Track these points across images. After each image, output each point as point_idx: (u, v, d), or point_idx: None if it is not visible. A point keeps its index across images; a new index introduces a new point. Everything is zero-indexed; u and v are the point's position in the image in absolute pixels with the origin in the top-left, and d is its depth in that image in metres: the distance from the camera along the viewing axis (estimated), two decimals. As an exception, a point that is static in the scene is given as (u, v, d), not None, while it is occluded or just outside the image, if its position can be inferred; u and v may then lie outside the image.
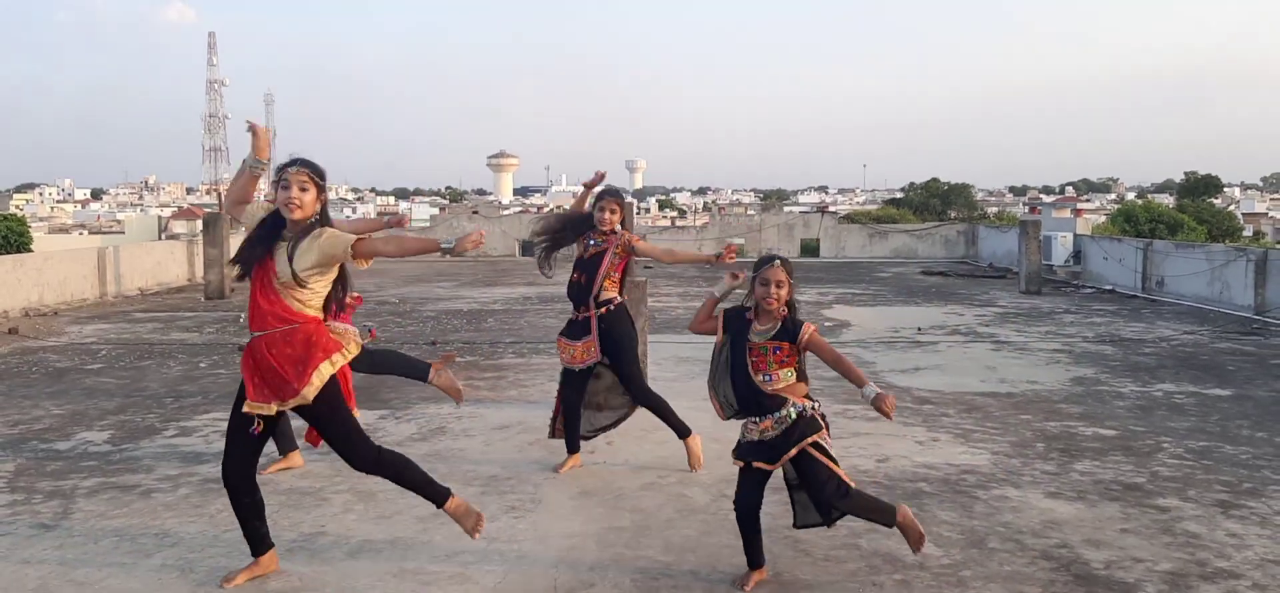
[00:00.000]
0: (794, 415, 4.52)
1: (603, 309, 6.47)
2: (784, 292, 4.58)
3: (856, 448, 7.13)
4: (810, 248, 29.97)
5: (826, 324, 14.30)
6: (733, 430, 4.81)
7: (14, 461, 6.89)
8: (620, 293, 6.61)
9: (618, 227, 6.57)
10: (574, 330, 6.53)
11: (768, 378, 4.54)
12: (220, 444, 7.25)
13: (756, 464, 4.58)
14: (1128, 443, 7.34)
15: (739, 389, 4.59)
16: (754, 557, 4.69)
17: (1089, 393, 9.23)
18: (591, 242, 6.55)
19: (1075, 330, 13.69)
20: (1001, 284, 20.76)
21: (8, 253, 21.91)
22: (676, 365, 10.51)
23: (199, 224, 27.80)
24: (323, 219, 4.51)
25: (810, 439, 4.51)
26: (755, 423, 4.58)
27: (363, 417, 6.75)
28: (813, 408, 4.58)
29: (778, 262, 4.64)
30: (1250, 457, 6.97)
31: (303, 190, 4.42)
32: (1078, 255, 22.08)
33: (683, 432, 6.57)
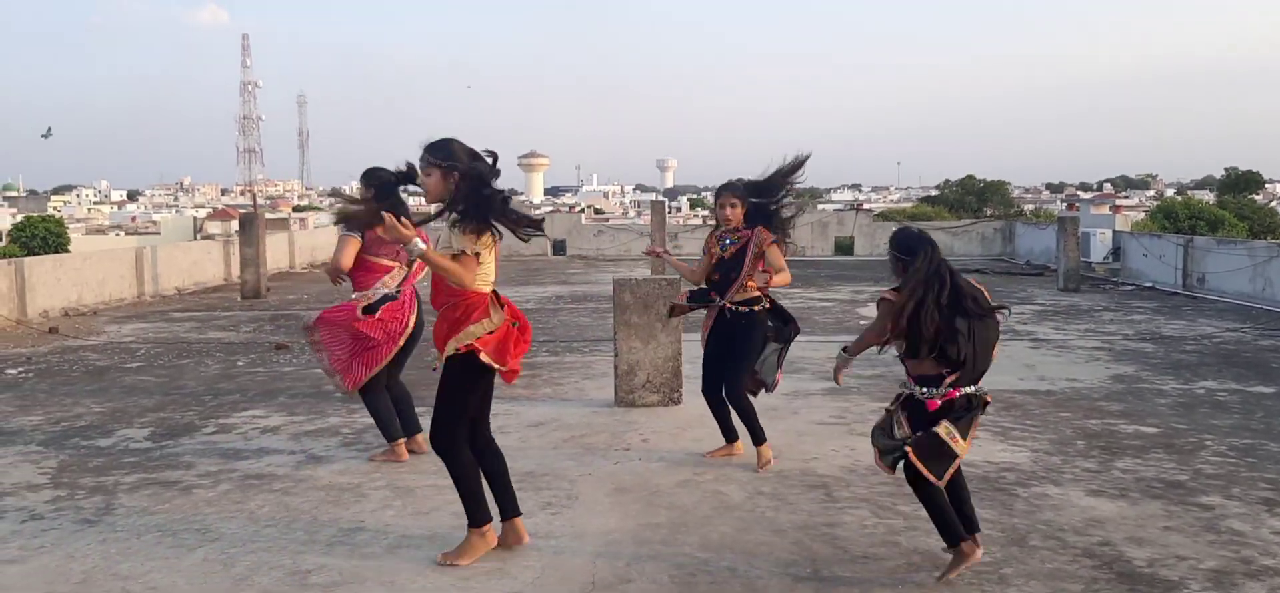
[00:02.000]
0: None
1: (744, 308, 6.43)
2: None
3: (894, 445, 7.07)
4: (844, 246, 29.85)
5: (862, 322, 14.22)
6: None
7: (57, 457, 6.97)
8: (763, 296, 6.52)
9: (741, 222, 6.50)
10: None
11: None
12: (259, 441, 7.35)
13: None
14: (1170, 441, 7.24)
15: None
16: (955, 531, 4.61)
17: (1130, 391, 9.12)
18: (727, 240, 6.50)
19: (1115, 328, 13.53)
20: (1039, 282, 20.56)
21: (47, 254, 22.21)
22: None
23: (234, 225, 28.06)
24: (452, 202, 4.69)
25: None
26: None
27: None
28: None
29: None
30: (1296, 455, 6.85)
31: (426, 176, 4.71)
32: (1117, 252, 21.83)
33: (759, 438, 6.52)
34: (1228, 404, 8.52)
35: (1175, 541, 5.16)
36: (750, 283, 6.39)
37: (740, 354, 6.44)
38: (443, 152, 4.70)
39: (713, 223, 6.78)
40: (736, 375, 6.45)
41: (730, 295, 6.40)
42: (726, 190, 6.56)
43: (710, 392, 6.58)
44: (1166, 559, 4.90)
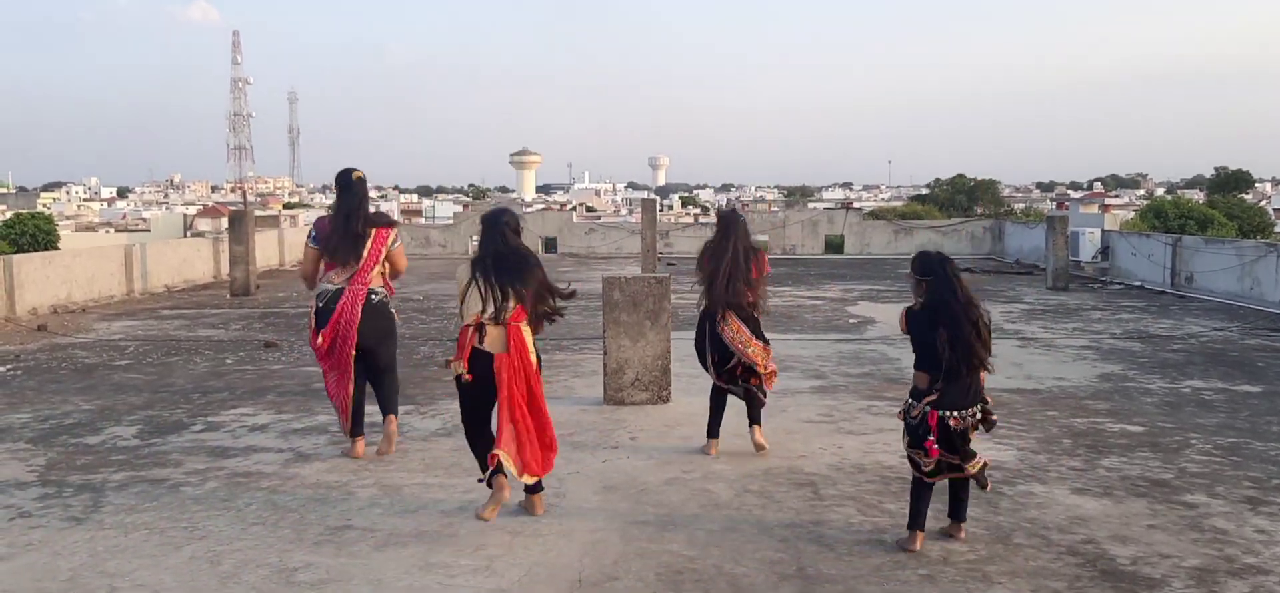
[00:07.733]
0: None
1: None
2: None
3: (881, 444, 7.11)
4: (834, 244, 29.89)
5: (851, 321, 14.26)
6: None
7: (45, 455, 6.97)
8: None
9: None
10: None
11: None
12: (248, 439, 7.36)
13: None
14: (1155, 439, 7.28)
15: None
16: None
17: (1117, 389, 9.16)
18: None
19: (1103, 327, 13.59)
20: (1028, 281, 20.63)
21: (36, 251, 22.15)
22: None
23: (224, 222, 28.00)
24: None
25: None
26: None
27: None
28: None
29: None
30: (1280, 453, 6.90)
31: None
32: (1105, 252, 21.89)
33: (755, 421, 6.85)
34: (1213, 403, 8.56)
35: (1159, 539, 5.19)
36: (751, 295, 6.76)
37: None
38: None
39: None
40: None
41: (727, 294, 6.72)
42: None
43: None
44: (1150, 558, 4.93)
